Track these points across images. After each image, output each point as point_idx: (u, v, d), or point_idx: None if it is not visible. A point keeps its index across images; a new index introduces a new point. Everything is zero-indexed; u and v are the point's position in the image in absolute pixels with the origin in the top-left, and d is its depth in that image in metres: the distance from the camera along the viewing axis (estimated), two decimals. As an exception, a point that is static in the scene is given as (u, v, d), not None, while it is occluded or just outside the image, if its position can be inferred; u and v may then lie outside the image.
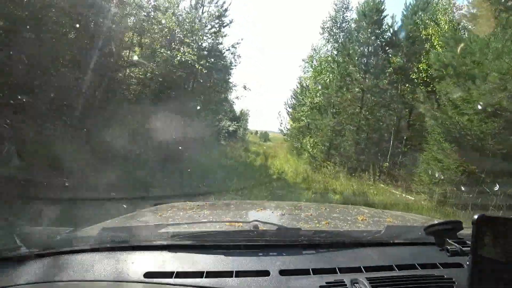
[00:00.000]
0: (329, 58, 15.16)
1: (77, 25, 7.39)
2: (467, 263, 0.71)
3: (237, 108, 43.80)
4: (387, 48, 11.98)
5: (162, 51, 11.05)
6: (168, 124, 11.03)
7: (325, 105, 13.64)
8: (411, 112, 11.51)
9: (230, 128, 31.52)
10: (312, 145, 14.42)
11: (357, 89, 12.53)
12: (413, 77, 10.41)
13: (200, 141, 14.00)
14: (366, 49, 12.26)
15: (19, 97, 5.54)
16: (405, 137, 11.59)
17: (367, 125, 11.85)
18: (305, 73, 22.20)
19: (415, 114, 11.69)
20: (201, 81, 14.58)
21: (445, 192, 5.76)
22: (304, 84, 20.46)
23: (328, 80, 13.73)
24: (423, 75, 9.94)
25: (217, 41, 15.59)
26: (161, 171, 8.30)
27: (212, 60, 14.95)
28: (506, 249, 0.68)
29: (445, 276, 0.91)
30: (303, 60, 22.28)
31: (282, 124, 24.90)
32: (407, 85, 10.65)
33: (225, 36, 15.93)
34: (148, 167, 8.28)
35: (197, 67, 12.95)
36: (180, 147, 10.88)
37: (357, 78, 11.80)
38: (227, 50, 15.67)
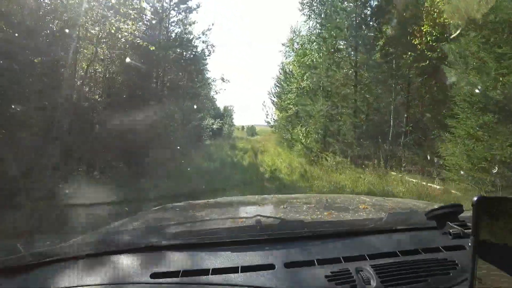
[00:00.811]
0: (313, 36, 13.51)
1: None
2: (469, 244, 0.68)
3: (221, 104, 42.48)
4: (378, 16, 10.44)
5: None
6: (132, 126, 9.20)
7: (315, 88, 12.04)
8: (409, 86, 10.09)
9: (214, 126, 29.62)
10: (304, 134, 12.85)
11: (348, 67, 11.01)
12: (416, 42, 8.92)
13: (177, 143, 12.19)
14: (354, 20, 10.67)
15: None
16: (405, 115, 10.15)
17: (365, 105, 10.36)
18: (286, 58, 20.59)
19: (415, 88, 10.30)
20: (170, 76, 12.69)
21: (497, 177, 4.30)
22: (288, 70, 18.81)
23: (315, 59, 12.10)
24: (428, 38, 8.47)
25: (185, 28, 13.67)
26: (127, 186, 6.47)
27: (179, 51, 13.06)
28: (506, 228, 0.68)
29: (448, 259, 0.92)
30: (283, 45, 20.66)
31: (268, 116, 23.22)
32: (405, 55, 9.15)
33: (194, 23, 14.03)
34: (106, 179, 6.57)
35: (163, 54, 11.10)
36: (149, 154, 9.09)
37: (349, 53, 10.23)
38: (197, 38, 13.77)
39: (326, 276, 0.84)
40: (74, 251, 1.00)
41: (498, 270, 0.67)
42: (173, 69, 12.79)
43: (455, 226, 1.01)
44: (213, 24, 13.65)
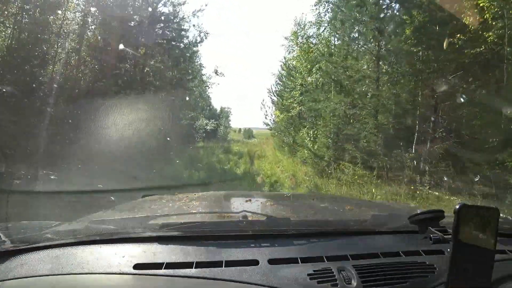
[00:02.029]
0: (324, 23, 11.37)
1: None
2: (448, 250, 0.72)
3: (217, 105, 40.56)
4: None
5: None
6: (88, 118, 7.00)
7: (327, 81, 9.84)
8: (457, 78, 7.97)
9: (208, 127, 27.30)
10: (312, 138, 10.64)
11: (371, 55, 8.87)
12: (466, 21, 6.80)
13: (155, 145, 9.90)
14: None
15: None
16: (432, 119, 7.95)
17: (392, 103, 8.20)
18: (290, 52, 18.45)
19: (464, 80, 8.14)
20: (153, 60, 10.44)
21: None
22: (291, 65, 16.65)
23: (327, 47, 9.93)
24: (486, 15, 6.34)
25: (174, 8, 11.44)
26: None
27: (166, 32, 10.83)
28: (485, 236, 0.70)
29: (427, 263, 0.93)
30: (286, 38, 18.50)
31: (268, 116, 20.98)
32: (453, 39, 7.01)
33: (184, 3, 11.83)
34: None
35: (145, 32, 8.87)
36: (106, 156, 6.82)
37: (375, 36, 8.07)
38: (187, 21, 11.54)
39: (309, 274, 0.84)
40: (57, 238, 0.98)
41: (473, 276, 0.69)
42: (157, 54, 10.56)
43: (435, 231, 1.02)
44: (206, 5, 11.23)
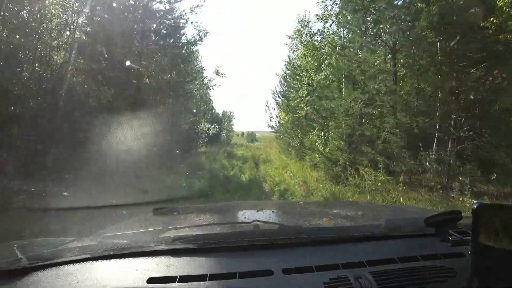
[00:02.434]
0: (333, 16, 10.52)
1: None
2: (469, 252, 0.70)
3: (220, 110, 40.04)
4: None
5: None
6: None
7: (338, 77, 8.96)
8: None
9: (210, 131, 26.53)
10: (323, 141, 9.75)
11: (384, 47, 8.02)
12: (500, 3, 5.92)
13: (153, 152, 9.09)
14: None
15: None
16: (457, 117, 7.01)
17: (415, 100, 7.32)
18: (294, 51, 17.66)
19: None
20: (147, 61, 9.67)
21: None
22: (295, 65, 15.83)
23: (338, 41, 9.08)
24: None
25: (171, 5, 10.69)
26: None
27: (166, 30, 10.08)
28: (506, 236, 0.67)
29: (447, 266, 0.90)
30: (289, 37, 17.72)
31: (272, 119, 20.11)
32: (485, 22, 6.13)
33: (180, 0, 11.11)
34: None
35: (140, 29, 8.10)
36: (101, 166, 6.02)
37: (392, 25, 7.21)
38: (184, 18, 10.77)
39: (325, 283, 0.82)
40: (71, 255, 0.99)
41: (497, 278, 0.65)
42: (152, 53, 9.78)
43: (454, 233, 0.99)
44: (204, 1, 10.46)
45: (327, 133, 9.73)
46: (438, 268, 0.89)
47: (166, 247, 0.99)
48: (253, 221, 1.14)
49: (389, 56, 8.06)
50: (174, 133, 13.19)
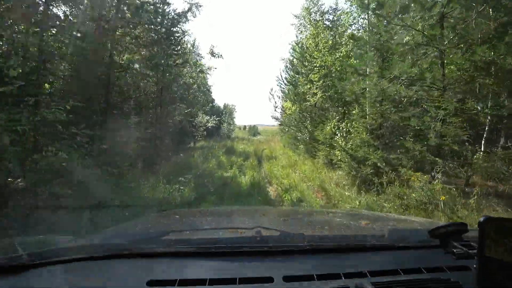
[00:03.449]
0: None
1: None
2: (474, 266, 0.69)
3: (221, 103, 38.35)
4: None
5: None
6: None
7: (365, 51, 6.84)
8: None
9: (209, 124, 24.49)
10: (343, 134, 7.70)
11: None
12: None
13: (134, 150, 7.12)
14: None
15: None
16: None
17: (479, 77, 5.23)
18: (301, 32, 15.49)
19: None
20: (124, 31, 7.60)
21: None
22: (305, 46, 13.68)
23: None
24: None
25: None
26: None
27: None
28: None
29: (452, 280, 0.86)
30: (296, 17, 15.56)
31: (277, 109, 18.01)
32: None
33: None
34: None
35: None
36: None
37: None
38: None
39: None
40: (72, 253, 0.99)
41: None
42: (127, 23, 7.69)
43: (459, 246, 0.93)
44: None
45: (348, 124, 7.67)
46: (443, 280, 0.85)
47: (167, 250, 0.99)
48: (255, 227, 1.11)
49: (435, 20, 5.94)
50: (163, 126, 11.19)
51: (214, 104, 32.76)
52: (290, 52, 15.88)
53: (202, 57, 16.80)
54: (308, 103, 11.17)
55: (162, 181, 5.97)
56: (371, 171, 6.16)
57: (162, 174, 6.58)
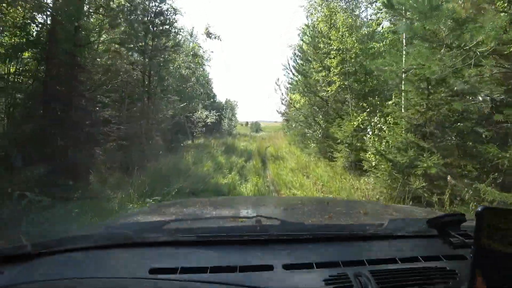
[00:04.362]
0: None
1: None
2: (470, 255, 0.68)
3: (222, 99, 36.86)
4: None
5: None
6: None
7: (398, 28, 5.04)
8: None
9: (208, 120, 22.71)
10: (374, 131, 5.94)
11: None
12: None
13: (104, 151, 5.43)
14: None
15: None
16: None
17: None
18: (311, 14, 13.62)
19: None
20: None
21: None
22: (317, 29, 11.82)
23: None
24: None
25: None
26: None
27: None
28: (509, 241, 0.65)
29: (448, 268, 0.88)
30: (305, -2, 13.66)
31: (284, 101, 16.18)
32: None
33: None
34: None
35: None
36: None
37: None
38: None
39: (324, 280, 0.82)
40: (75, 243, 0.99)
41: (497, 282, 0.65)
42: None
43: (456, 235, 0.94)
44: None
45: (382, 119, 5.89)
46: (439, 269, 0.87)
47: (168, 239, 0.99)
48: (256, 216, 1.12)
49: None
50: (151, 121, 9.49)
51: (215, 100, 31.09)
52: (300, 36, 14.03)
53: (200, 46, 15.02)
54: (325, 93, 9.34)
55: (132, 198, 4.25)
56: (423, 184, 4.41)
57: (136, 185, 4.86)
